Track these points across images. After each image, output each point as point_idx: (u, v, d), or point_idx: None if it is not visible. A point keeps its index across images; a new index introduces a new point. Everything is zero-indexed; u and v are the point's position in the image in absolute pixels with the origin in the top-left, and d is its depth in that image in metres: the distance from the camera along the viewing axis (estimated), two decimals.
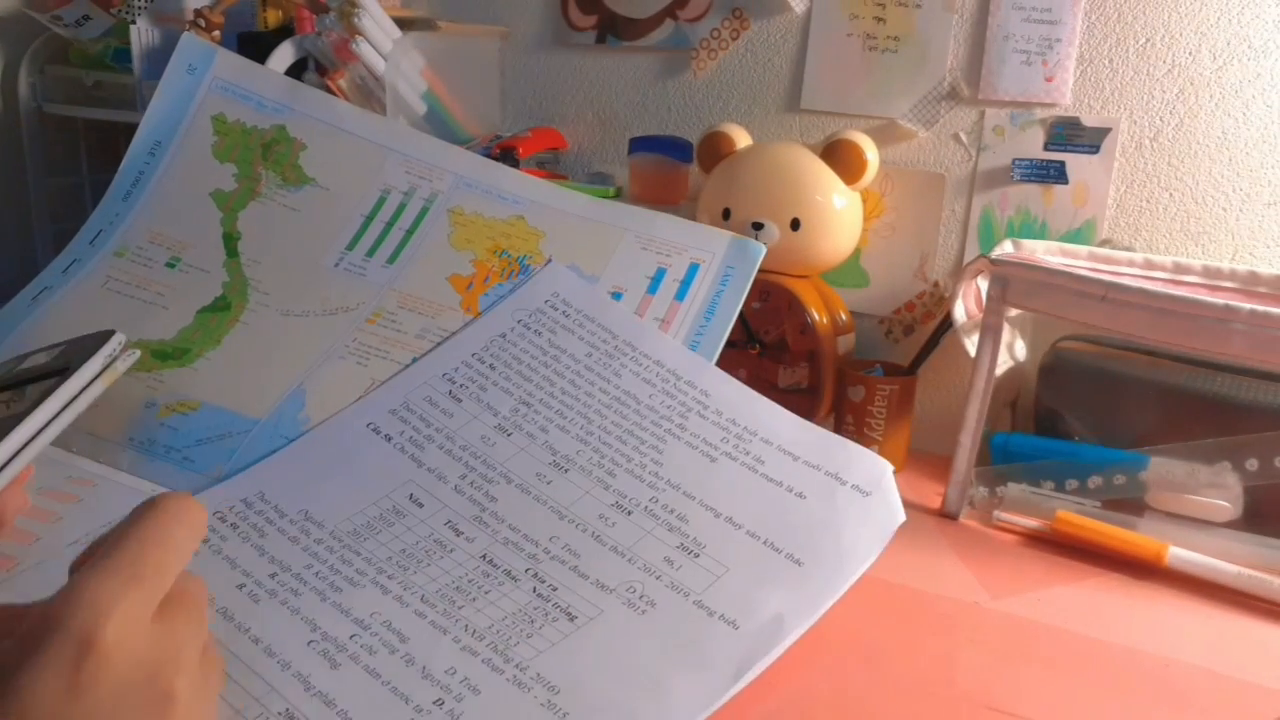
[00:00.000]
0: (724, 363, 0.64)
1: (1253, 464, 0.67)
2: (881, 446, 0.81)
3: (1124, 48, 0.80)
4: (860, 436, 0.81)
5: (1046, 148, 0.83)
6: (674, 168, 0.93)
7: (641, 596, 0.49)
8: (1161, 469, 0.69)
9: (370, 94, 0.94)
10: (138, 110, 0.95)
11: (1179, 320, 0.64)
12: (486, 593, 0.49)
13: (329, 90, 0.91)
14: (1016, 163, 0.84)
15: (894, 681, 0.52)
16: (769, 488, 0.55)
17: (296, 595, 0.48)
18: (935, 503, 0.75)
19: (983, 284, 0.76)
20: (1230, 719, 0.51)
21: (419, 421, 0.59)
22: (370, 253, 0.70)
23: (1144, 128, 0.81)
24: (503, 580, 0.49)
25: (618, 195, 0.96)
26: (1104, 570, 0.66)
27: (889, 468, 0.57)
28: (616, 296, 0.67)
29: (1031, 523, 0.70)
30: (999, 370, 0.73)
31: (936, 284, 0.88)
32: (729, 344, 0.65)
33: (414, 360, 0.64)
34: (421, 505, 0.54)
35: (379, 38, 0.93)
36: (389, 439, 0.58)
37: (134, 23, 0.98)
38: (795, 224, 0.82)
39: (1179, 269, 0.73)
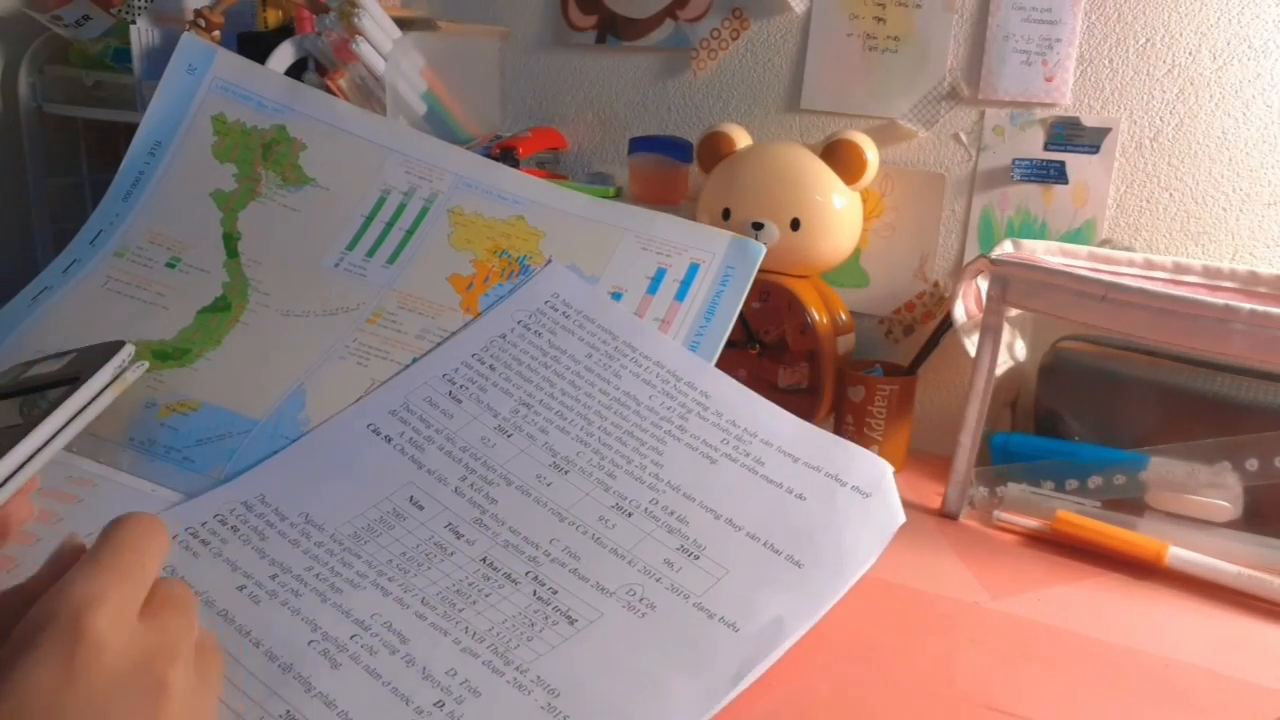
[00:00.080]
0: (724, 363, 0.64)
1: (1253, 464, 0.67)
2: (881, 447, 0.81)
3: (1124, 48, 0.80)
4: (860, 437, 0.81)
5: (1046, 148, 0.83)
6: (674, 168, 0.93)
7: (641, 599, 0.49)
8: (1161, 469, 0.69)
9: (370, 94, 0.94)
10: (138, 110, 0.95)
11: (1179, 320, 0.64)
12: (487, 595, 0.49)
13: (329, 90, 0.91)
14: (1016, 163, 0.84)
15: (894, 681, 0.52)
16: (769, 489, 0.55)
17: (297, 596, 0.48)
18: (935, 503, 0.75)
19: (983, 284, 0.76)
20: (1230, 719, 0.51)
21: (419, 422, 0.59)
22: (370, 253, 0.70)
23: (1144, 128, 0.81)
24: (503, 583, 0.49)
25: (618, 195, 0.96)
26: (1104, 570, 0.66)
27: (889, 469, 0.57)
28: (616, 297, 0.67)
29: (1031, 523, 0.70)
30: (999, 370, 0.73)
31: (936, 284, 0.88)
32: (729, 344, 0.65)
33: (414, 361, 0.64)
34: (422, 508, 0.54)
35: (379, 38, 0.93)
36: (389, 440, 0.58)
37: (134, 23, 0.98)
38: (795, 224, 0.82)
39: (1179, 269, 0.73)
